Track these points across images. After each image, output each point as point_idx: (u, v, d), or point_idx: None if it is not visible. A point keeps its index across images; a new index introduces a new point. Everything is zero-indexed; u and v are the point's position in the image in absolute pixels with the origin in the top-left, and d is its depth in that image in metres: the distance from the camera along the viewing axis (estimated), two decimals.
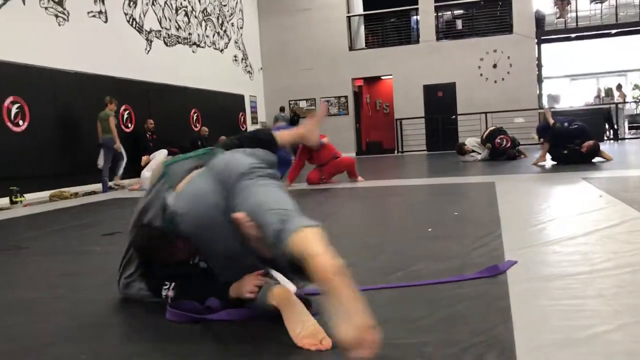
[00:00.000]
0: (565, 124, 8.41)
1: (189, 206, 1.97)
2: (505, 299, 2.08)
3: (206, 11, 14.81)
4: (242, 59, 16.75)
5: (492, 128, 10.58)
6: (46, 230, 4.98)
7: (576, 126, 8.38)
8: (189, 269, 2.20)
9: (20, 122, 8.51)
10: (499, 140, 9.99)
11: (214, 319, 2.03)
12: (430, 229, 3.71)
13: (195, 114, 13.57)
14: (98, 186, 9.20)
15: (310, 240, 1.58)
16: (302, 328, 1.77)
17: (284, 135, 2.51)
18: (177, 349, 1.80)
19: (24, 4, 8.83)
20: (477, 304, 2.06)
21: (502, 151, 9.94)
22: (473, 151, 10.58)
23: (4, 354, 1.87)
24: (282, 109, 16.72)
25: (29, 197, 8.17)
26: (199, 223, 1.95)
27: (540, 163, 8.47)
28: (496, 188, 5.73)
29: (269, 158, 2.11)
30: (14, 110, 8.39)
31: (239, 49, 16.57)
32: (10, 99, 8.33)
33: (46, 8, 9.29)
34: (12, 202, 7.89)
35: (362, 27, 18.09)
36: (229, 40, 15.98)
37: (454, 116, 16.19)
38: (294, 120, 16.86)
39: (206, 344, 1.83)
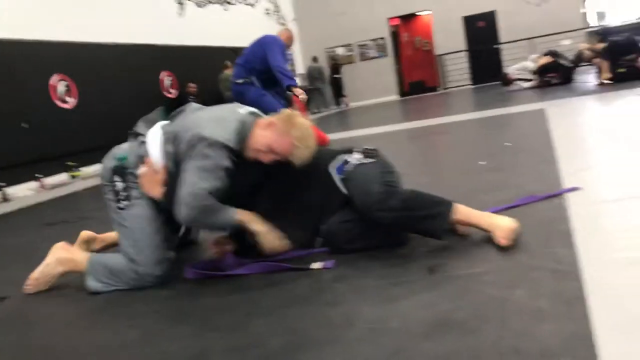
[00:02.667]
0: (618, 38, 8.40)
1: None
2: (566, 223, 2.05)
3: None
4: (275, 11, 16.53)
5: (544, 60, 9.75)
6: None
7: (626, 36, 8.38)
8: None
9: (68, 99, 8.73)
10: (547, 79, 9.58)
11: (231, 275, 2.10)
12: (482, 162, 3.65)
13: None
14: None
15: None
16: None
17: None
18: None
19: None
20: (536, 230, 2.03)
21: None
22: (518, 79, 10.21)
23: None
24: (314, 59, 16.49)
25: (85, 170, 8.45)
26: None
27: (607, 81, 8.15)
28: (547, 114, 5.55)
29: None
30: (61, 88, 8.60)
31: (270, 1, 16.34)
32: (56, 77, 8.53)
33: None
34: (71, 177, 8.19)
35: None
36: None
37: (497, 46, 15.62)
38: (335, 69, 16.65)
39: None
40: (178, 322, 1.79)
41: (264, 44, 5.62)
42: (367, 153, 2.26)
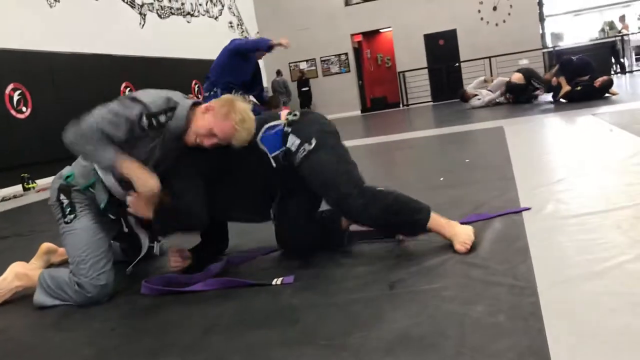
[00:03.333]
0: (573, 58, 8.67)
1: None
2: (523, 239, 2.09)
3: None
4: (238, 25, 16.53)
5: (516, 78, 9.64)
6: None
7: (580, 57, 8.65)
8: None
9: (24, 109, 8.51)
10: (507, 98, 9.82)
11: (189, 291, 2.08)
12: (442, 178, 3.71)
13: (197, 85, 13.48)
14: None
15: None
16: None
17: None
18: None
19: None
20: (494, 247, 2.07)
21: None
22: (476, 95, 10.38)
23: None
24: (278, 73, 16.53)
25: (40, 182, 8.23)
26: None
27: (563, 99, 8.40)
28: (505, 132, 5.68)
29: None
30: (15, 97, 8.38)
31: (234, 15, 16.33)
32: (11, 86, 8.31)
33: None
34: (24, 189, 7.96)
35: None
36: (223, 6, 15.73)
37: (457, 64, 15.95)
38: (303, 82, 16.74)
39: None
40: (134, 339, 1.75)
41: (229, 48, 5.66)
42: (293, 125, 2.19)
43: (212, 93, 5.69)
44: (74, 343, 1.79)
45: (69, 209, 2.18)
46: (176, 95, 2.16)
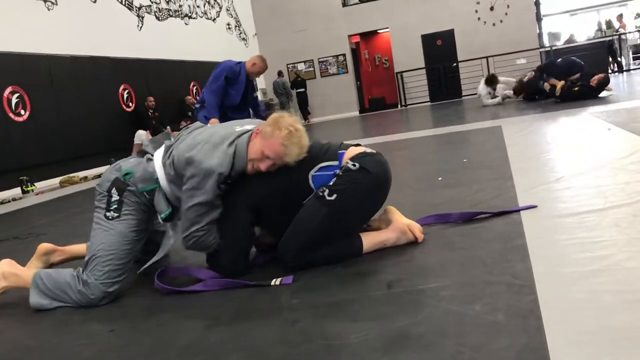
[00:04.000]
0: (558, 60, 8.90)
1: None
2: (521, 238, 2.09)
3: None
4: (236, 26, 16.53)
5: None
6: (61, 216, 5.03)
7: (563, 58, 8.89)
8: None
9: (22, 112, 8.50)
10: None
11: (189, 291, 2.09)
12: (440, 178, 3.71)
13: (195, 87, 13.49)
14: (104, 168, 9.24)
15: None
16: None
17: None
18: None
19: None
20: (493, 246, 2.07)
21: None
22: (492, 92, 10.35)
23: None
24: (280, 74, 16.54)
25: (39, 185, 8.22)
26: None
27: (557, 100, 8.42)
28: (503, 131, 5.68)
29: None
30: (14, 100, 8.37)
31: (231, 16, 16.33)
32: (9, 89, 8.31)
33: None
34: (23, 192, 7.95)
35: None
36: (220, 8, 15.74)
37: (454, 64, 15.95)
38: (298, 83, 16.75)
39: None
40: (134, 340, 1.75)
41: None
42: (345, 173, 2.16)
43: (202, 105, 5.73)
44: (73, 344, 1.79)
45: (114, 206, 2.15)
46: (231, 139, 2.12)
